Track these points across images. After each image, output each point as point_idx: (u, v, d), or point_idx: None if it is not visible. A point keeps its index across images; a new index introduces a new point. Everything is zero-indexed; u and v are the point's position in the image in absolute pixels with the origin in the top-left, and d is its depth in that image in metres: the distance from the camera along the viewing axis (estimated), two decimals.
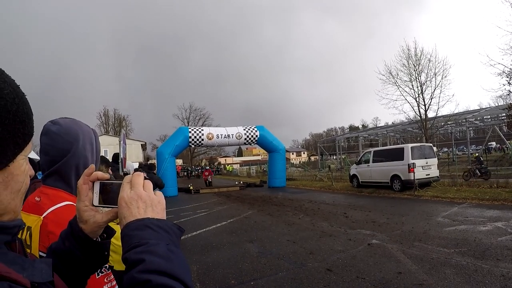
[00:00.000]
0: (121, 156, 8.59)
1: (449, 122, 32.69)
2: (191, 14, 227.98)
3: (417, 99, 27.82)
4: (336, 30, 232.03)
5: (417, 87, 27.71)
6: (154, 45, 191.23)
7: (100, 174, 1.02)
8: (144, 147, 57.29)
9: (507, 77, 20.42)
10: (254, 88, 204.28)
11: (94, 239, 1.04)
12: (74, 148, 1.61)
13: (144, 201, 0.90)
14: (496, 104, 42.39)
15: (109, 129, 79.61)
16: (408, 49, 28.29)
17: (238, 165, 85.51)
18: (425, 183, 18.37)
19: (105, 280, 1.65)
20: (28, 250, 1.22)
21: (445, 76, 26.92)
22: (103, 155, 3.07)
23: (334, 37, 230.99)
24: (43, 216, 1.48)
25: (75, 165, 1.63)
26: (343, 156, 48.47)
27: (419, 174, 17.81)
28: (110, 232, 1.13)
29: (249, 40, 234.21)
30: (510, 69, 20.13)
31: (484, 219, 10.25)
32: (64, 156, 1.58)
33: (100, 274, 1.61)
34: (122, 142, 10.79)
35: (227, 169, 72.44)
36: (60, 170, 1.60)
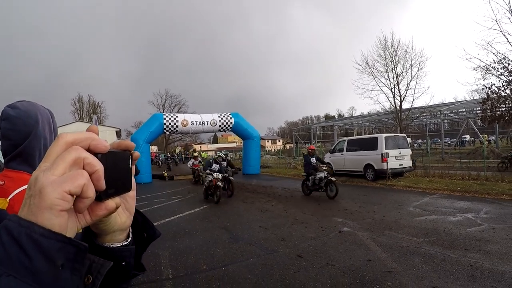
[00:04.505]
0: None
1: (424, 114, 33.19)
2: (179, 4, 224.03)
3: (393, 90, 28.28)
4: (320, 23, 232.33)
5: (393, 78, 28.18)
6: (137, 31, 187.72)
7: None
8: (118, 133, 56.51)
9: (481, 72, 20.84)
10: (232, 76, 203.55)
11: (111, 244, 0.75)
12: (35, 130, 1.59)
13: (29, 187, 0.55)
14: (471, 98, 43.32)
15: (84, 115, 78.34)
16: (385, 40, 28.67)
17: (213, 152, 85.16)
18: (398, 173, 18.62)
19: None
20: None
21: (421, 68, 27.47)
22: None
23: (317, 30, 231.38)
24: (9, 198, 1.47)
25: (38, 147, 1.61)
26: (318, 145, 48.79)
27: (392, 164, 18.08)
28: (149, 233, 0.89)
29: (234, 31, 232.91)
30: (486, 63, 20.51)
31: (454, 210, 10.47)
32: (26, 139, 1.57)
33: None
34: None
35: (202, 156, 71.76)
36: (23, 153, 1.58)
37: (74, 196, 0.54)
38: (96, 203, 0.60)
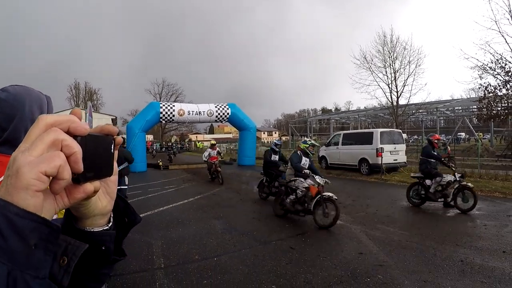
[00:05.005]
0: None
1: (420, 110, 33.25)
2: None
3: (390, 86, 28.22)
4: (320, 16, 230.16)
5: (391, 74, 28.11)
6: (136, 19, 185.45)
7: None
8: (114, 121, 56.26)
9: (479, 71, 20.96)
10: (230, 67, 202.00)
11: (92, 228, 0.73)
12: (21, 112, 1.58)
13: (8, 167, 0.55)
14: (468, 96, 43.43)
15: (80, 102, 77.82)
16: (384, 36, 28.56)
17: (209, 142, 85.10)
18: (392, 168, 18.76)
19: None
20: None
21: (419, 65, 27.43)
22: None
23: (316, 23, 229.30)
24: None
25: (24, 130, 1.59)
26: (314, 138, 48.87)
27: (387, 158, 18.12)
28: (131, 218, 0.86)
29: (234, 22, 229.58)
30: (483, 63, 20.60)
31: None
32: (11, 122, 1.55)
33: None
34: (88, 114, 10.53)
35: (197, 146, 71.70)
36: (11, 137, 1.57)
37: (51, 177, 0.54)
38: (74, 185, 0.60)
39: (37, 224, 0.52)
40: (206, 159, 18.13)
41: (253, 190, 13.00)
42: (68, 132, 0.58)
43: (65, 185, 0.57)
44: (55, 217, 1.28)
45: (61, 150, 0.55)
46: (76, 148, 0.56)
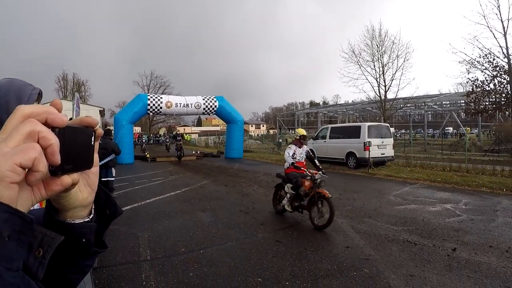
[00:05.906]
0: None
1: (408, 105, 33.47)
2: None
3: (378, 80, 28.38)
4: (310, 9, 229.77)
5: (379, 68, 28.27)
6: (127, 9, 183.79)
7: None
8: (102, 113, 55.79)
9: (467, 66, 21.16)
10: (219, 60, 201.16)
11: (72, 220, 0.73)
12: None
13: None
14: (456, 91, 43.79)
15: (68, 93, 77.06)
16: (373, 30, 28.69)
17: (197, 135, 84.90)
18: (380, 162, 18.81)
19: None
20: None
21: (407, 59, 27.66)
22: None
23: (307, 16, 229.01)
24: None
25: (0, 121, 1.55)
26: None
27: (374, 153, 18.21)
28: (112, 210, 0.85)
29: (224, 14, 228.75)
30: (471, 58, 20.78)
31: (434, 200, 10.57)
32: None
33: None
34: (75, 105, 10.38)
35: (185, 138, 71.55)
36: None
37: (26, 169, 0.53)
38: (51, 178, 0.60)
39: (10, 215, 0.51)
40: (290, 164, 8.89)
41: None
42: (46, 124, 0.57)
43: (41, 177, 0.57)
44: (37, 206, 1.24)
45: (37, 142, 0.55)
46: (53, 140, 0.56)
